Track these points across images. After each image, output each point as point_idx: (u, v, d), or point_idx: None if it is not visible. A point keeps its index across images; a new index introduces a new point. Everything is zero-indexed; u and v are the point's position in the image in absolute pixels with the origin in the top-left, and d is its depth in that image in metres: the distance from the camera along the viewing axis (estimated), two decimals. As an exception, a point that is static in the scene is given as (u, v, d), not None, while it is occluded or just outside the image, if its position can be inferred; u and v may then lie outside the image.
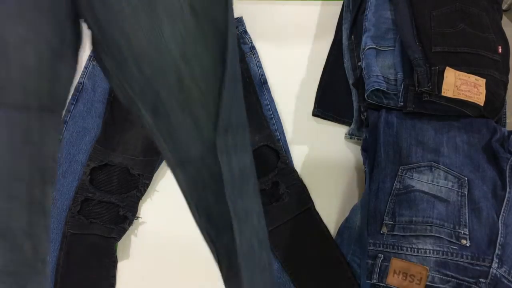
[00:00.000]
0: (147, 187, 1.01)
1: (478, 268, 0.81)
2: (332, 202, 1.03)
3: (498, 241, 0.82)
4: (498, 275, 0.80)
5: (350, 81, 1.12)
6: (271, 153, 1.04)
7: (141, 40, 0.54)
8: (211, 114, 0.58)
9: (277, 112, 1.08)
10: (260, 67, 1.12)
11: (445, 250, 0.83)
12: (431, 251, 0.83)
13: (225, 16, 0.56)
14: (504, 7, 1.18)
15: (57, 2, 0.52)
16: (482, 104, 0.92)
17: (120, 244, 0.99)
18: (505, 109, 1.02)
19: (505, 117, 1.02)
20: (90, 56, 1.11)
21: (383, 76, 0.99)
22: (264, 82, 1.09)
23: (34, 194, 0.56)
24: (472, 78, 0.94)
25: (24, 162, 0.54)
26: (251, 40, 1.14)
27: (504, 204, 0.86)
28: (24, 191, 0.55)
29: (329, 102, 1.12)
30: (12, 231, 0.54)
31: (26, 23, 0.50)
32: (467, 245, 0.83)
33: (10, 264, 0.54)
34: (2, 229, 0.53)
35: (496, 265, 0.80)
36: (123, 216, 0.96)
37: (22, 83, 0.51)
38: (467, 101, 0.92)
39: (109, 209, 0.97)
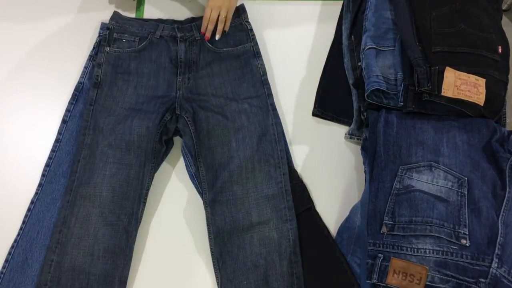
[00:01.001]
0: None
1: (478, 268, 0.81)
2: (332, 202, 1.03)
3: (498, 241, 0.82)
4: (498, 275, 0.80)
5: (350, 81, 1.12)
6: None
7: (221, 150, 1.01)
8: None
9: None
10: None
11: (445, 250, 0.83)
12: (431, 251, 0.83)
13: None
14: (504, 7, 1.18)
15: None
16: (482, 104, 0.92)
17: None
18: (505, 109, 1.02)
19: (505, 117, 1.02)
20: (90, 56, 1.11)
21: (383, 76, 0.99)
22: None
23: (133, 207, 0.97)
24: (472, 78, 0.94)
25: (132, 188, 0.97)
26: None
27: (504, 203, 0.86)
28: (129, 205, 0.96)
29: (329, 102, 1.12)
30: (118, 225, 0.94)
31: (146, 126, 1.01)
32: (467, 245, 0.83)
33: (112, 245, 0.93)
34: (114, 224, 0.94)
35: (496, 265, 0.80)
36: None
37: (140, 146, 1.00)
38: (467, 101, 0.92)
39: None
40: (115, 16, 1.11)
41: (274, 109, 1.06)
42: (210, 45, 1.07)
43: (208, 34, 1.08)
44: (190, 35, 1.07)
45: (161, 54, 1.07)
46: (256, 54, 1.10)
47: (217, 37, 1.09)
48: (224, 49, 1.09)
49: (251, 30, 1.12)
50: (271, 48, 1.19)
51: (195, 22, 1.12)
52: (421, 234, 0.85)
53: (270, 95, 1.07)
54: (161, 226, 1.01)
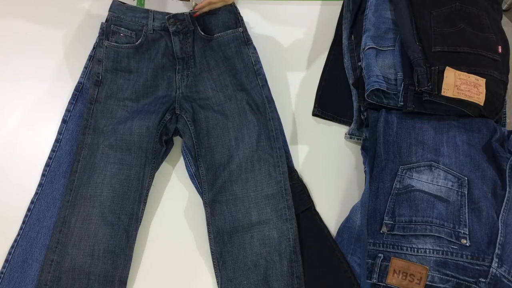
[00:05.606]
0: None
1: (478, 267, 0.81)
2: (332, 202, 1.03)
3: (498, 240, 0.82)
4: (498, 275, 0.80)
5: (350, 81, 1.12)
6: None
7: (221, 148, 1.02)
8: None
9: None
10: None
11: (445, 249, 0.83)
12: (431, 250, 0.83)
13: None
14: (504, 7, 1.18)
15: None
16: (482, 104, 0.92)
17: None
18: (505, 109, 1.02)
19: (505, 117, 1.02)
20: (90, 56, 1.11)
21: (383, 76, 0.99)
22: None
23: (133, 207, 0.97)
24: (472, 78, 0.94)
25: (132, 188, 0.97)
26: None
27: (504, 203, 0.86)
28: (130, 205, 0.96)
29: (329, 102, 1.12)
30: (118, 225, 0.94)
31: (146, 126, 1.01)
32: (467, 244, 0.83)
33: (112, 245, 0.93)
34: (114, 224, 0.94)
35: (496, 264, 0.80)
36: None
37: (141, 146, 1.00)
38: (467, 100, 0.92)
39: None
40: (113, 5, 1.09)
41: (270, 102, 1.04)
42: (202, 33, 1.06)
43: (198, 13, 1.04)
44: (182, 26, 1.05)
45: (158, 52, 1.07)
46: (246, 41, 1.08)
47: (196, 6, 1.04)
48: (215, 35, 1.07)
49: (239, 14, 1.09)
50: (271, 48, 1.19)
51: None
52: (421, 234, 0.85)
53: (264, 86, 1.05)
54: (161, 226, 1.01)
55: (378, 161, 0.94)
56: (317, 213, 1.00)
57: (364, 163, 1.01)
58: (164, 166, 1.06)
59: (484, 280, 0.79)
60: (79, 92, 1.09)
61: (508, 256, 0.81)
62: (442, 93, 0.92)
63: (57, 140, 1.05)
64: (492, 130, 0.94)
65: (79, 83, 1.09)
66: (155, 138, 1.01)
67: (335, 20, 1.21)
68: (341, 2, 1.22)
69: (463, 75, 0.94)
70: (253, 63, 1.06)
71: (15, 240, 0.96)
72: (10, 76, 1.14)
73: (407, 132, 0.95)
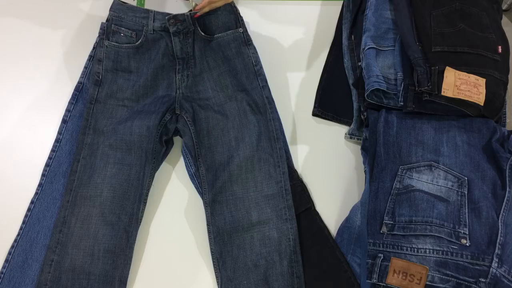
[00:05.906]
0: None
1: (478, 267, 0.81)
2: (332, 202, 1.03)
3: (498, 240, 0.82)
4: (498, 275, 0.80)
5: (350, 81, 1.12)
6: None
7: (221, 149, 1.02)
8: None
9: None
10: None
11: (445, 249, 0.83)
12: (431, 250, 0.83)
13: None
14: (504, 7, 1.18)
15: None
16: (482, 104, 0.92)
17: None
18: (505, 109, 1.02)
19: (505, 117, 1.02)
20: (90, 56, 1.11)
21: (383, 76, 0.99)
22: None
23: (133, 207, 0.97)
24: (472, 78, 0.94)
25: (132, 189, 0.97)
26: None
27: (504, 203, 0.86)
28: (130, 205, 0.97)
29: (329, 102, 1.12)
30: (118, 225, 0.94)
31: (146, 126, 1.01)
32: (467, 244, 0.83)
33: (112, 245, 0.93)
34: (114, 224, 0.94)
35: (496, 264, 0.80)
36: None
37: (141, 146, 1.00)
38: (467, 100, 0.92)
39: None
40: (114, 5, 1.09)
41: (271, 102, 1.04)
42: (203, 33, 1.06)
43: (199, 14, 1.04)
44: (183, 27, 1.06)
45: (158, 52, 1.07)
46: (246, 41, 1.08)
47: (197, 7, 1.03)
48: (215, 35, 1.07)
49: (240, 14, 1.09)
50: (271, 48, 1.19)
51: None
52: (421, 234, 0.85)
53: (264, 87, 1.05)
54: (161, 226, 1.01)
55: (378, 161, 0.94)
56: (317, 213, 1.00)
57: (364, 163, 1.01)
58: (164, 166, 1.06)
59: (484, 280, 0.79)
60: (79, 92, 1.09)
61: (508, 256, 0.81)
62: (442, 93, 0.92)
63: (57, 140, 1.05)
64: (492, 130, 0.94)
65: (79, 83, 1.09)
66: (155, 138, 1.01)
67: (335, 20, 1.21)
68: (341, 2, 1.22)
69: (463, 75, 0.94)
70: (254, 63, 1.07)
71: (15, 240, 0.96)
72: (10, 76, 1.14)
73: (407, 132, 0.95)
